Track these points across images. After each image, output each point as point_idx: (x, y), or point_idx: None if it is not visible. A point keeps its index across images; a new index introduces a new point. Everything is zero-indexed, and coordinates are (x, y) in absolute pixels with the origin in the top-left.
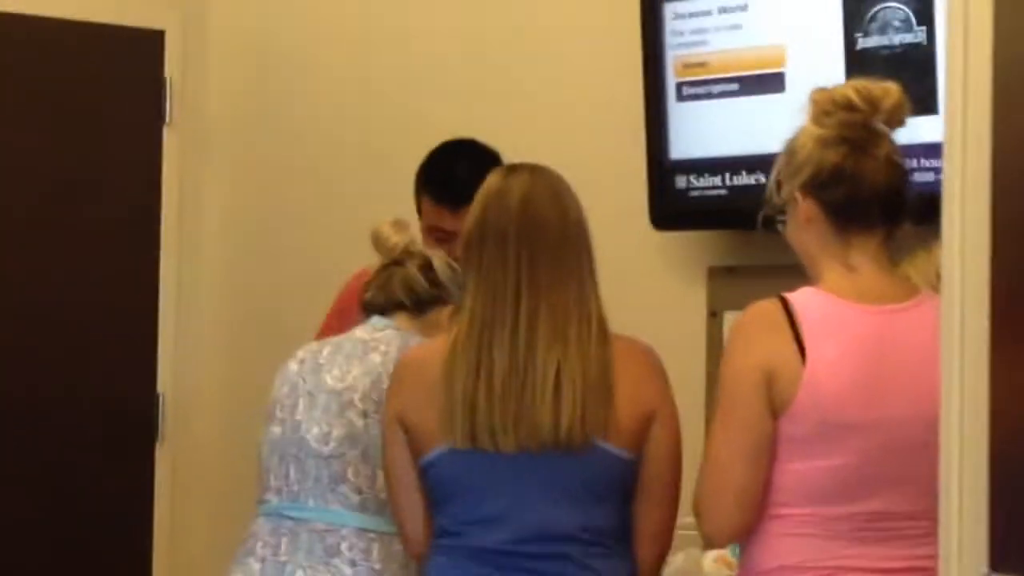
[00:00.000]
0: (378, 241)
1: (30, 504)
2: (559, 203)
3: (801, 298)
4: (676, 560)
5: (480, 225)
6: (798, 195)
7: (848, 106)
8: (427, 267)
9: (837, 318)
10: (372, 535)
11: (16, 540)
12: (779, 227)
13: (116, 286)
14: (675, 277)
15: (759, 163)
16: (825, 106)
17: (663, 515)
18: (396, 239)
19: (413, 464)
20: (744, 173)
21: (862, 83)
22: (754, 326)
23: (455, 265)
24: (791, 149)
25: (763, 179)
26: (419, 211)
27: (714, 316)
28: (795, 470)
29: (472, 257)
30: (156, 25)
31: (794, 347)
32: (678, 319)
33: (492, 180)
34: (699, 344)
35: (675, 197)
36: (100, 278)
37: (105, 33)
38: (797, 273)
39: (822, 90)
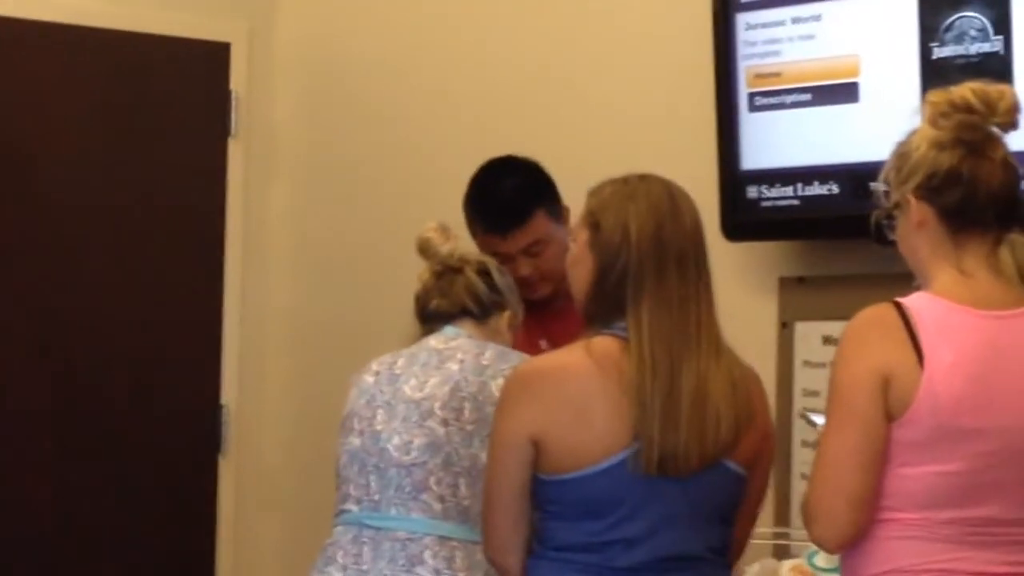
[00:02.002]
0: (427, 249)
1: (93, 515)
2: (694, 214)
3: (916, 303)
4: (752, 570)
5: (657, 242)
6: (911, 198)
7: (966, 108)
8: (485, 272)
9: (952, 323)
10: (455, 543)
11: (80, 550)
12: (887, 231)
13: (180, 298)
14: (746, 287)
15: (831, 173)
16: (942, 108)
17: (750, 527)
18: (448, 246)
19: (531, 482)
20: (816, 183)
21: (979, 85)
22: (869, 330)
23: (504, 270)
24: (903, 152)
25: (835, 189)
26: (473, 238)
27: (785, 327)
28: (907, 475)
29: (647, 273)
30: (222, 38)
31: (911, 352)
32: (749, 329)
33: (656, 192)
34: (770, 354)
35: (746, 207)
36: (164, 290)
37: (171, 46)
38: (869, 283)
39: (939, 92)
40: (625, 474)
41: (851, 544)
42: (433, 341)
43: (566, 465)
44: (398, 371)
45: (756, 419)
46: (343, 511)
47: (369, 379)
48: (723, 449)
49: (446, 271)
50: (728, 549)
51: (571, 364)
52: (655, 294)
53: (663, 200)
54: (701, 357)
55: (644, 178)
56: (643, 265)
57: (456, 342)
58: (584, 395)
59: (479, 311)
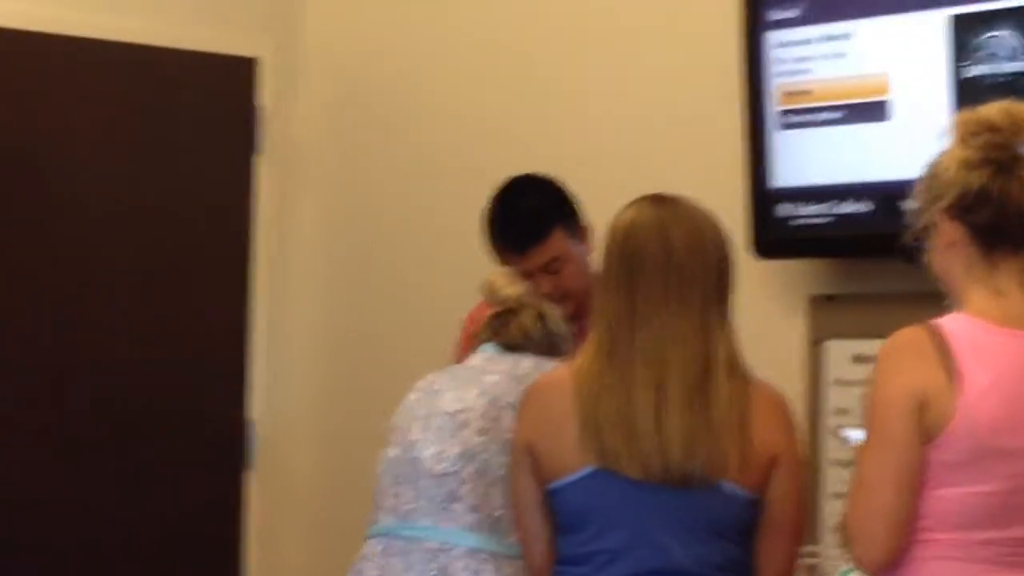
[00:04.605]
0: (491, 291)
1: (119, 530)
2: (665, 234)
3: (950, 324)
4: None
5: (607, 257)
6: (942, 218)
7: (993, 127)
8: (541, 317)
9: (987, 344)
10: (484, 555)
11: (104, 566)
12: (919, 252)
13: (209, 315)
14: (776, 306)
15: (862, 191)
16: (971, 127)
17: (786, 549)
18: (509, 290)
19: (540, 490)
20: (848, 201)
21: (1006, 104)
22: (903, 352)
23: (564, 318)
24: (933, 172)
25: (867, 208)
26: (493, 255)
27: (815, 345)
28: (944, 496)
29: (599, 286)
30: (249, 53)
31: (945, 373)
32: (779, 348)
33: (623, 213)
34: (800, 373)
35: (777, 225)
36: (193, 307)
37: (198, 61)
38: (899, 301)
39: (967, 112)
40: (600, 485)
41: (890, 565)
42: (474, 360)
43: (551, 476)
44: (437, 387)
45: (753, 441)
46: (376, 522)
47: (412, 396)
48: (688, 465)
49: (505, 312)
50: (744, 567)
51: (555, 380)
52: (598, 306)
53: (620, 220)
54: (628, 369)
55: (642, 200)
56: (598, 279)
57: (495, 357)
58: (562, 408)
59: (530, 350)
